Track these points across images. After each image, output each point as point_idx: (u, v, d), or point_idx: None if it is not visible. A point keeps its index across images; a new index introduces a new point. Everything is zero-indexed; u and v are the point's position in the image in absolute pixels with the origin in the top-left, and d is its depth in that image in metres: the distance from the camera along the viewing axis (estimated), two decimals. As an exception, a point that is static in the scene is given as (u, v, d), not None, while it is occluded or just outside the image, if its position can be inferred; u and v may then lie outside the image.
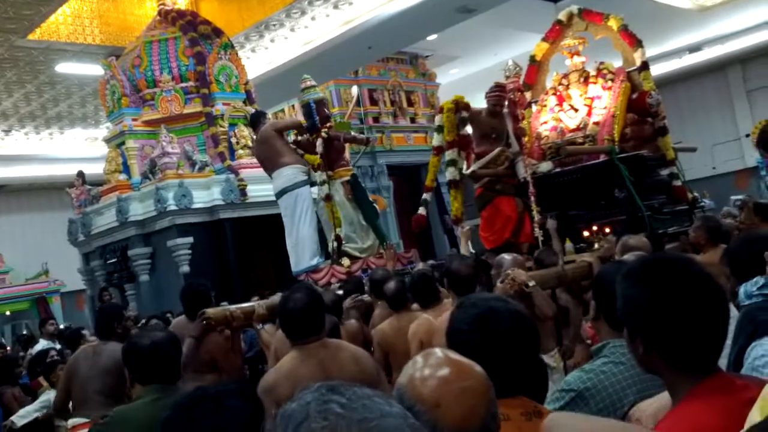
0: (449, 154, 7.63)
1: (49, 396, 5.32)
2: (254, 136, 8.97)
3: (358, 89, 13.76)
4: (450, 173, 7.72)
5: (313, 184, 7.97)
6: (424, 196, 8.06)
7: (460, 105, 7.64)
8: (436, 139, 7.84)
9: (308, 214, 7.77)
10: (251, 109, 11.50)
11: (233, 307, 4.15)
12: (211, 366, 4.10)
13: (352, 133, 9.38)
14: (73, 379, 4.41)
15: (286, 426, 0.87)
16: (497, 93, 7.39)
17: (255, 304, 4.22)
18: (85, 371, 4.35)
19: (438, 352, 1.42)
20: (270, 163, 7.99)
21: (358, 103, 15.97)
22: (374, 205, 8.31)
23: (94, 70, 12.79)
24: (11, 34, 11.30)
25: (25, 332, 13.01)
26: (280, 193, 7.91)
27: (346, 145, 8.21)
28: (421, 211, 7.95)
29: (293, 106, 15.72)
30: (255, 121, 8.51)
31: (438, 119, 7.86)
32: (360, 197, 8.04)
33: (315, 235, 7.84)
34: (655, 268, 1.52)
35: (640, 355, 1.52)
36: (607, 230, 6.16)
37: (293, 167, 7.81)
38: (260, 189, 10.46)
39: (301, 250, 7.73)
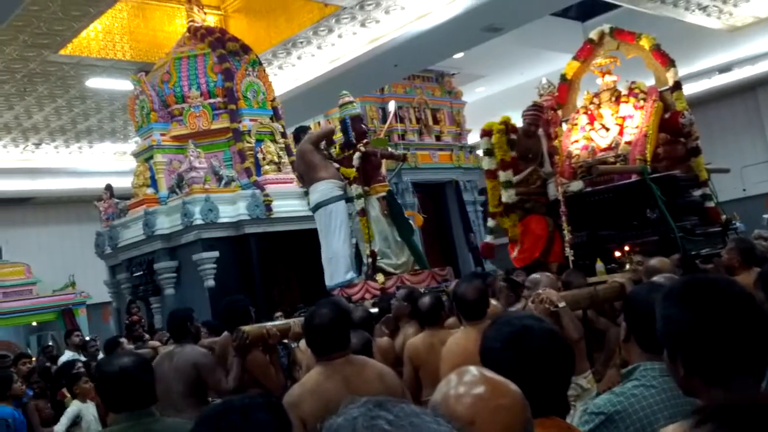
0: (505, 176, 7.34)
1: (74, 408, 5.31)
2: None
3: (395, 104, 13.70)
4: (507, 196, 7.33)
5: (348, 199, 7.94)
6: (489, 223, 7.77)
7: (509, 126, 7.49)
8: (486, 163, 7.58)
9: (343, 228, 7.76)
10: (278, 126, 11.58)
11: (269, 324, 4.14)
12: (253, 382, 4.08)
13: (389, 149, 9.35)
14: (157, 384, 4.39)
15: None
16: (534, 112, 7.33)
17: (291, 321, 4.20)
18: (168, 374, 4.31)
19: (473, 369, 1.39)
20: (307, 177, 8.03)
21: (396, 118, 15.99)
22: (410, 221, 8.28)
23: (123, 85, 12.95)
24: (44, 49, 11.48)
25: (50, 343, 13.08)
26: (315, 207, 7.93)
27: (383, 161, 8.20)
28: (489, 239, 7.77)
29: (319, 123, 15.78)
30: (297, 135, 8.56)
31: (485, 142, 7.59)
32: (396, 213, 8.02)
33: (349, 249, 7.83)
34: (697, 289, 1.49)
35: (680, 378, 1.48)
36: (638, 251, 6.06)
37: (329, 182, 7.82)
38: (286, 204, 10.50)
39: (335, 265, 7.72)
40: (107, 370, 2.62)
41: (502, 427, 1.30)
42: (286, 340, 4.21)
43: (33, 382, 6.67)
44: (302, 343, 4.26)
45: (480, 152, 7.61)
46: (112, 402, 2.59)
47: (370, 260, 7.58)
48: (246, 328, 3.93)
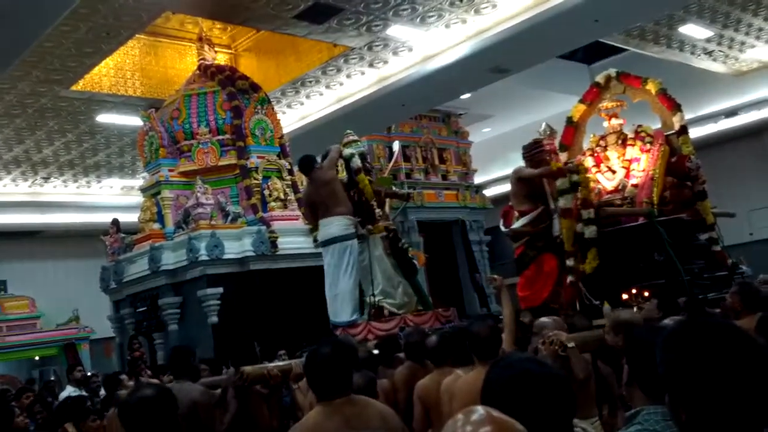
0: (587, 213, 7.23)
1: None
2: (307, 179, 8.29)
3: (400, 144, 13.77)
4: (589, 232, 7.20)
5: (359, 237, 7.77)
6: (568, 262, 7.49)
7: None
8: (564, 202, 7.37)
9: (354, 267, 7.57)
10: (285, 163, 11.64)
11: (271, 365, 4.10)
12: (249, 421, 4.03)
13: (393, 188, 9.34)
14: None
15: None
16: (539, 150, 7.36)
17: (292, 362, 4.16)
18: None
19: (480, 409, 1.38)
20: (324, 207, 7.64)
21: (400, 158, 16.06)
22: (413, 261, 8.22)
23: (133, 121, 13.08)
24: (56, 84, 11.62)
25: (52, 378, 13.00)
26: (330, 241, 7.62)
27: (387, 200, 8.16)
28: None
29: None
30: (307, 164, 7.95)
31: (563, 182, 7.41)
32: (399, 253, 7.96)
33: (356, 290, 7.66)
34: (700, 333, 1.47)
35: (682, 423, 1.45)
36: (647, 293, 6.03)
37: (346, 218, 7.60)
38: (291, 241, 10.50)
39: (341, 303, 7.56)
40: (130, 402, 2.67)
41: None
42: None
43: (36, 413, 6.61)
44: (302, 383, 4.22)
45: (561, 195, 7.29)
46: None
47: (374, 300, 7.52)
48: (247, 368, 3.90)
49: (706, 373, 1.39)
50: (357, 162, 7.82)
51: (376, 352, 5.25)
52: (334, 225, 7.58)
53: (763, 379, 1.38)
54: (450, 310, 8.28)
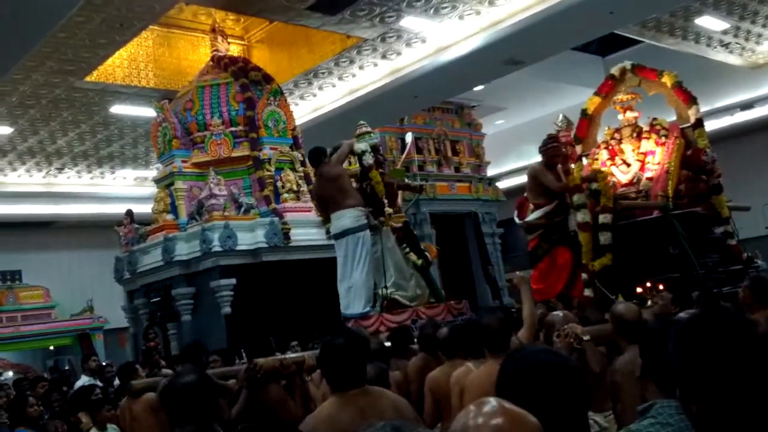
0: (604, 218, 7.13)
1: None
2: (316, 173, 8.31)
3: (413, 136, 13.76)
4: (604, 239, 7.11)
5: (372, 228, 7.73)
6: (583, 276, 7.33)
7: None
8: (582, 216, 7.26)
9: (367, 259, 7.52)
10: (298, 155, 11.64)
11: (284, 356, 4.11)
12: (271, 416, 4.03)
13: (406, 180, 9.33)
14: None
15: None
16: (555, 145, 7.31)
17: (305, 354, 4.16)
18: None
19: (492, 401, 1.38)
20: (334, 201, 7.65)
21: (413, 149, 16.04)
22: (426, 253, 8.21)
23: (146, 112, 13.12)
24: (70, 75, 11.66)
25: (67, 368, 13.11)
26: (343, 233, 7.58)
27: (399, 192, 8.14)
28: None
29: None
30: (317, 157, 7.92)
31: (578, 197, 7.30)
32: (411, 245, 7.94)
33: (369, 281, 7.62)
34: (710, 325, 1.47)
35: (693, 415, 1.46)
36: (661, 287, 6.00)
37: (359, 209, 7.57)
38: (304, 233, 10.51)
39: (354, 295, 7.52)
40: (173, 386, 2.72)
41: None
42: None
43: (54, 401, 6.65)
44: (315, 375, 4.22)
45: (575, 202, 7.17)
46: (176, 417, 2.67)
47: (386, 292, 7.50)
48: (260, 360, 3.90)
49: (716, 365, 1.40)
50: (368, 159, 7.79)
51: (388, 344, 5.24)
52: (347, 217, 7.55)
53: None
54: (462, 303, 8.26)
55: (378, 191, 7.75)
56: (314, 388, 4.21)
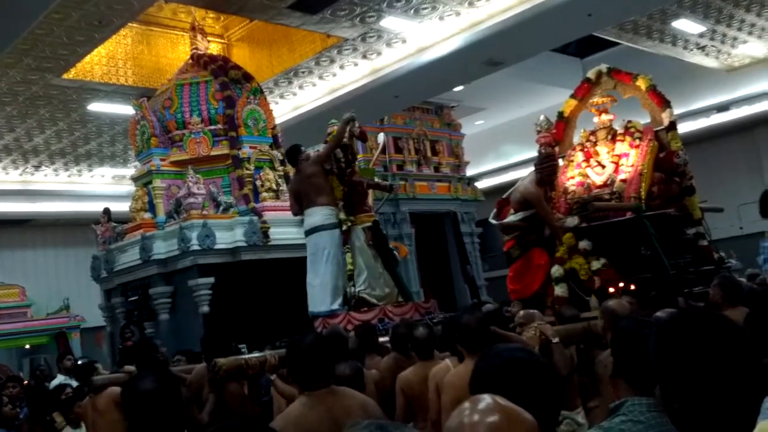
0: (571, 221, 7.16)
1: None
2: (294, 170, 8.47)
3: (385, 136, 13.87)
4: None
5: (341, 225, 7.85)
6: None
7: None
8: (560, 290, 7.01)
9: (336, 257, 7.66)
10: (277, 153, 11.63)
11: (248, 356, 4.13)
12: (231, 415, 4.05)
13: (376, 179, 9.39)
14: None
15: None
16: (552, 164, 7.34)
17: (267, 354, 4.19)
18: None
19: (487, 397, 1.40)
20: (307, 198, 7.79)
21: (383, 150, 16.09)
22: (395, 252, 8.26)
23: (125, 110, 13.03)
24: (47, 72, 11.57)
25: (42, 364, 12.99)
26: (312, 230, 7.74)
27: (369, 192, 8.20)
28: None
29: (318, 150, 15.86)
30: (293, 155, 8.12)
31: (556, 269, 7.07)
32: (380, 244, 7.99)
33: (337, 279, 7.72)
34: (692, 323, 1.50)
35: (674, 412, 1.49)
36: (632, 287, 6.08)
37: (330, 208, 7.71)
38: (283, 232, 10.50)
39: (322, 293, 7.61)
40: (132, 392, 2.46)
41: None
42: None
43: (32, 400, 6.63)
44: (277, 378, 4.25)
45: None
46: (140, 423, 2.42)
47: (354, 290, 7.56)
48: (222, 360, 3.91)
49: (699, 362, 1.42)
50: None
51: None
52: (317, 214, 7.68)
53: (753, 368, 1.42)
54: (430, 302, 8.35)
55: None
56: (282, 385, 4.24)
